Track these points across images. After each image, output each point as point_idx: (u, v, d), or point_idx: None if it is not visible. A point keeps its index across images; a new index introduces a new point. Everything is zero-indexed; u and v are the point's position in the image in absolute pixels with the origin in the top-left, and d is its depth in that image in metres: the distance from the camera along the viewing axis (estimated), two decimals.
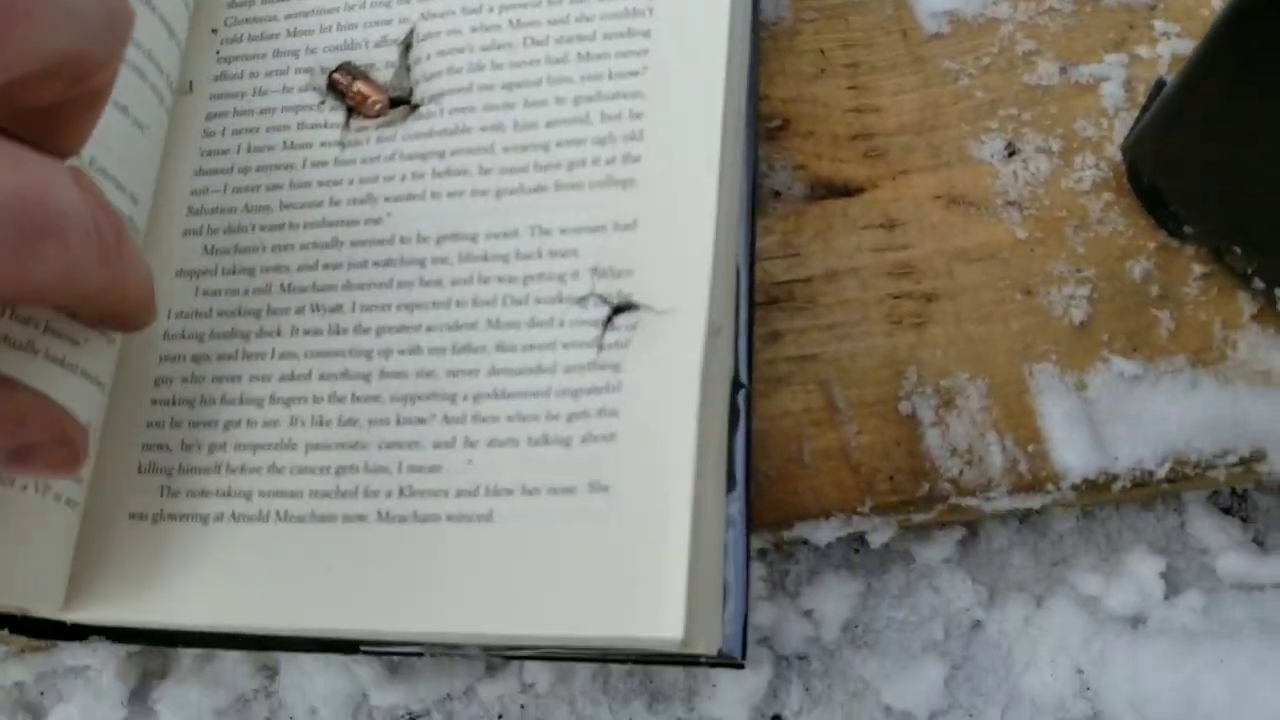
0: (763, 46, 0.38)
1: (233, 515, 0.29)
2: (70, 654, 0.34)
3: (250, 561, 0.28)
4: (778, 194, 0.36)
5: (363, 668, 0.34)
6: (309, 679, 0.34)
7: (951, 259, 0.35)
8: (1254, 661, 0.33)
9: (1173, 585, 0.36)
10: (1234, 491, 0.37)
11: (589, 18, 0.31)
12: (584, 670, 0.35)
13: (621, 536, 0.26)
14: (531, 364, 0.28)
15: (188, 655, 0.35)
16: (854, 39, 0.38)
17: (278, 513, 0.29)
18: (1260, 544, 0.37)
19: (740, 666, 0.30)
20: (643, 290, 0.28)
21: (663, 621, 0.25)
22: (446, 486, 0.28)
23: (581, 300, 0.29)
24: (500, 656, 0.30)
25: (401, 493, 0.28)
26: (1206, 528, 0.36)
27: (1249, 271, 0.33)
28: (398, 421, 0.29)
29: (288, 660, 0.35)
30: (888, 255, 0.35)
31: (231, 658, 0.35)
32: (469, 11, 0.32)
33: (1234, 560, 0.36)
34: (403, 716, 0.35)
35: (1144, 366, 0.33)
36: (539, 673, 0.35)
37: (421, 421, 0.29)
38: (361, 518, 0.28)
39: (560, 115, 0.31)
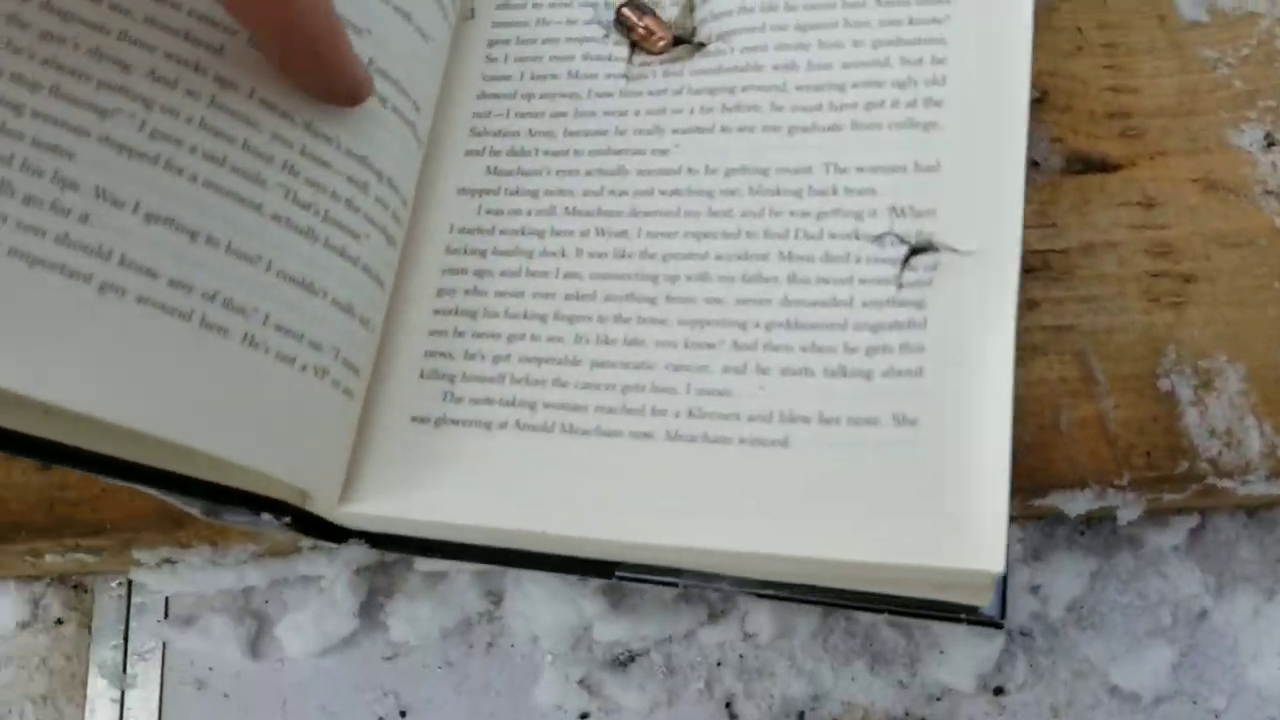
0: None
1: (517, 424, 0.29)
2: (307, 563, 0.34)
3: (534, 469, 0.28)
4: (1035, 164, 0.36)
5: (588, 601, 0.34)
6: (534, 607, 0.34)
7: (1209, 241, 0.35)
8: None
9: None
10: None
11: None
12: (805, 625, 0.35)
13: (932, 469, 0.26)
14: (826, 297, 0.28)
15: (416, 575, 0.35)
16: (1111, 20, 0.38)
17: (563, 425, 0.29)
18: None
19: (999, 626, 0.30)
20: (945, 231, 0.28)
21: (981, 553, 0.25)
22: (738, 410, 0.28)
23: (878, 238, 0.29)
24: (755, 594, 0.30)
25: (690, 414, 0.28)
26: None
27: None
28: (685, 345, 0.29)
29: (514, 587, 0.35)
30: (1145, 233, 0.35)
31: (460, 580, 0.35)
32: None
33: None
34: (622, 654, 0.35)
35: None
36: (762, 622, 0.35)
37: (710, 346, 0.29)
38: (648, 435, 0.28)
39: (857, 57, 0.31)
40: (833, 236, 0.29)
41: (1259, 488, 0.32)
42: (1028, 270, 0.35)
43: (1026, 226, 0.35)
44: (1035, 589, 0.35)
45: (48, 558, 0.35)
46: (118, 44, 0.26)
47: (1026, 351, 0.34)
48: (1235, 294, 0.34)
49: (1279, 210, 0.35)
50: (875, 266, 0.28)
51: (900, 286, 0.28)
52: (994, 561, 0.25)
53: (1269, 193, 0.35)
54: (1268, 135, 0.36)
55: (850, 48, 0.31)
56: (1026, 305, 0.34)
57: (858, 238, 0.29)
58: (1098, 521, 0.36)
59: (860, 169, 0.30)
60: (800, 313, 0.28)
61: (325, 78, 0.28)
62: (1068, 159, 0.36)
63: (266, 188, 0.27)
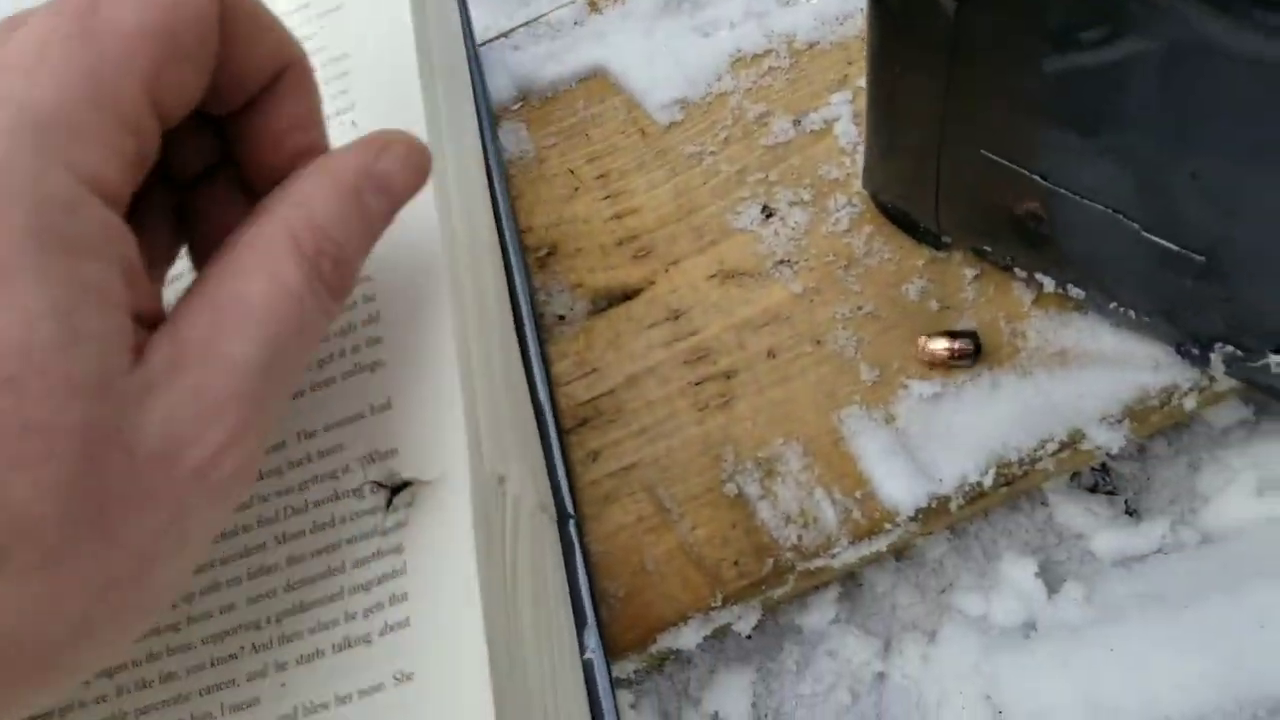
0: (514, 181, 0.39)
1: None
2: None
3: None
4: (561, 317, 0.37)
5: None
6: None
7: (740, 331, 0.35)
8: (1143, 639, 0.32)
9: (1053, 582, 0.35)
10: (1096, 468, 0.37)
11: None
12: None
13: None
14: (322, 569, 0.28)
15: None
16: (598, 151, 0.39)
17: None
18: (1132, 513, 0.36)
19: None
20: (410, 465, 0.29)
21: None
22: (267, 717, 0.28)
23: (357, 491, 0.29)
24: None
25: None
26: (1075, 512, 0.36)
27: (1010, 262, 0.33)
28: (212, 663, 0.28)
29: None
30: (679, 345, 0.36)
31: None
32: None
33: (1109, 538, 0.35)
34: None
35: (943, 383, 0.33)
36: None
37: (233, 657, 0.28)
38: None
39: None
40: (317, 504, 0.29)
41: (848, 555, 0.33)
42: (582, 423, 0.35)
43: (570, 381, 0.36)
44: (714, 715, 0.35)
45: None
46: None
47: (600, 504, 0.34)
48: (775, 374, 0.35)
49: (793, 277, 0.36)
50: (361, 521, 0.28)
51: (384, 534, 0.28)
52: None
53: (781, 263, 0.36)
54: (764, 208, 0.37)
55: None
56: (589, 458, 0.35)
57: (339, 497, 0.29)
58: (767, 614, 0.36)
59: (327, 427, 0.30)
60: (304, 594, 0.28)
61: None
62: (592, 300, 0.37)
63: None
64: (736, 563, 0.33)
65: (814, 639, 0.36)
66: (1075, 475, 0.37)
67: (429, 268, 0.31)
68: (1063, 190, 0.27)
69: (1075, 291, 0.31)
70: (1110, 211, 0.27)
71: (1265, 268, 0.25)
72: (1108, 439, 0.32)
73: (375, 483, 0.29)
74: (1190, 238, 0.26)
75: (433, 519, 0.28)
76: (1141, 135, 0.24)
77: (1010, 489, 0.33)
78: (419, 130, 0.32)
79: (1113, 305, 0.31)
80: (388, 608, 0.27)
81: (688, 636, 0.33)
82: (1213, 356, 0.30)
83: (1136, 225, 0.27)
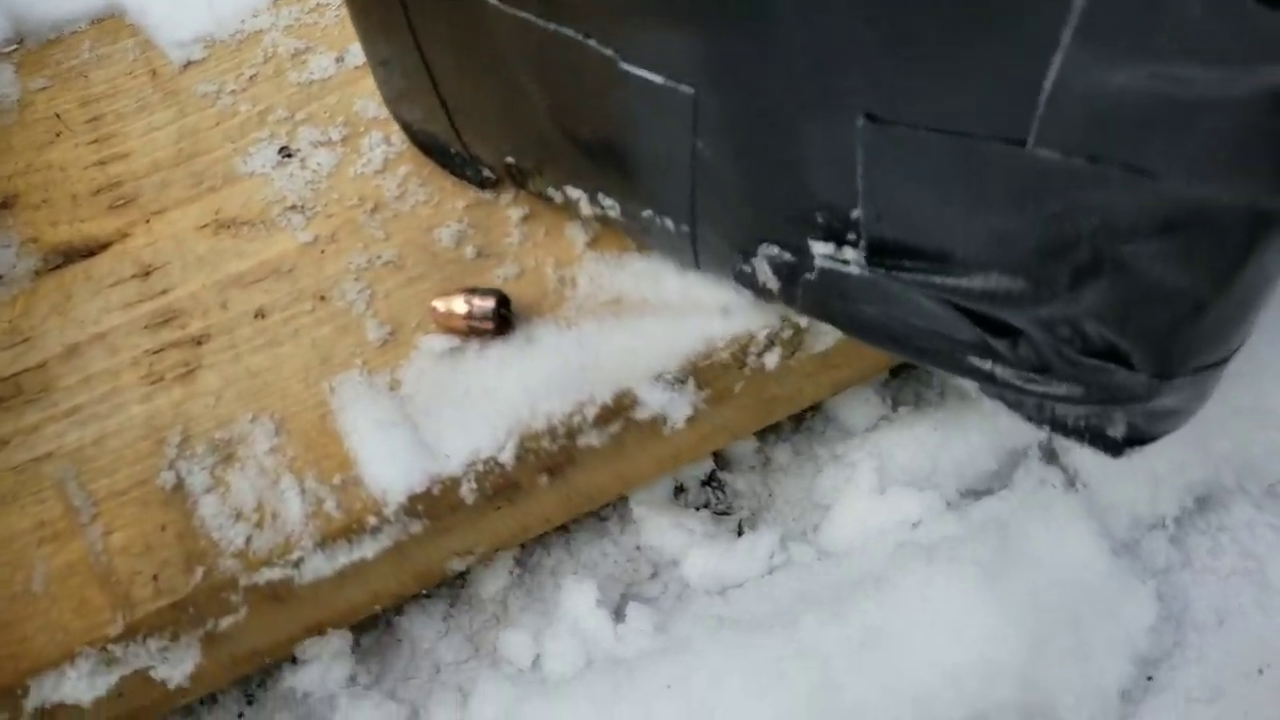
0: None
1: None
2: None
3: None
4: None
5: None
6: None
7: (225, 289, 0.27)
8: (709, 673, 0.24)
9: (621, 612, 0.27)
10: (705, 482, 0.29)
11: None
12: None
13: None
14: None
15: None
16: (95, 94, 0.31)
17: None
18: (743, 532, 0.28)
19: None
20: None
21: None
22: None
23: None
24: None
25: None
26: (664, 530, 0.28)
27: (539, 181, 0.26)
28: None
29: None
30: (143, 307, 0.27)
31: None
32: None
33: (704, 560, 0.27)
34: None
35: (461, 337, 0.25)
36: None
37: None
38: None
39: None
40: None
41: (318, 562, 0.23)
42: None
43: None
44: None
45: None
46: None
47: None
48: (261, 337, 0.26)
49: (303, 224, 0.28)
50: None
51: None
52: None
53: (291, 208, 0.28)
54: (283, 148, 0.29)
55: None
56: None
57: None
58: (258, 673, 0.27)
59: None
60: None
61: None
62: (45, 257, 0.28)
63: None
64: (156, 576, 0.23)
65: (319, 708, 0.26)
66: (681, 490, 0.29)
67: None
68: (528, 17, 0.21)
69: (608, 202, 0.24)
70: (582, 38, 0.20)
71: (766, 96, 0.19)
72: (665, 401, 0.24)
73: None
74: (674, 62, 0.19)
75: None
76: None
77: (551, 479, 0.25)
78: None
79: (646, 213, 0.24)
80: None
81: (73, 686, 0.23)
82: (760, 264, 0.23)
83: (612, 52, 0.20)
